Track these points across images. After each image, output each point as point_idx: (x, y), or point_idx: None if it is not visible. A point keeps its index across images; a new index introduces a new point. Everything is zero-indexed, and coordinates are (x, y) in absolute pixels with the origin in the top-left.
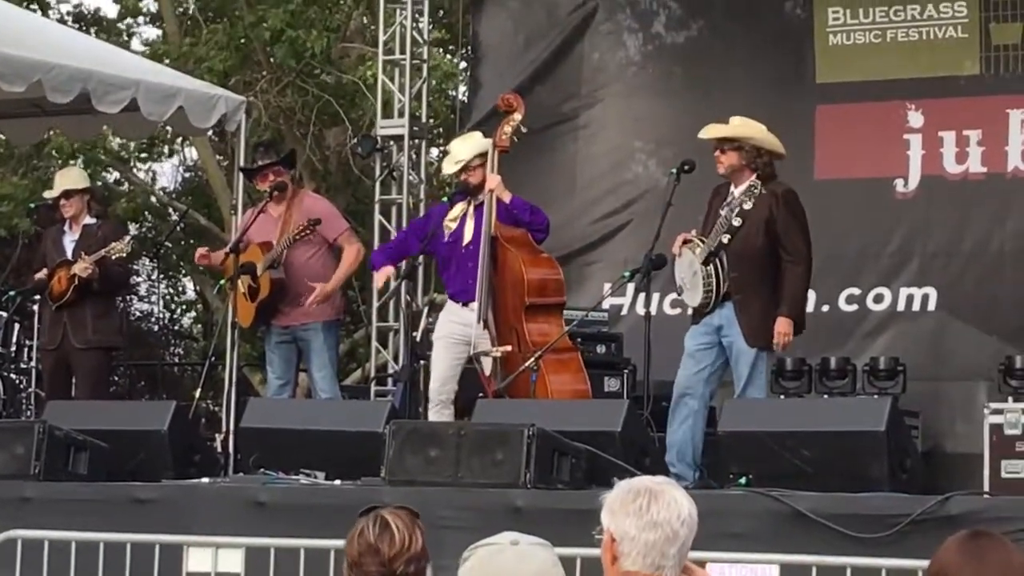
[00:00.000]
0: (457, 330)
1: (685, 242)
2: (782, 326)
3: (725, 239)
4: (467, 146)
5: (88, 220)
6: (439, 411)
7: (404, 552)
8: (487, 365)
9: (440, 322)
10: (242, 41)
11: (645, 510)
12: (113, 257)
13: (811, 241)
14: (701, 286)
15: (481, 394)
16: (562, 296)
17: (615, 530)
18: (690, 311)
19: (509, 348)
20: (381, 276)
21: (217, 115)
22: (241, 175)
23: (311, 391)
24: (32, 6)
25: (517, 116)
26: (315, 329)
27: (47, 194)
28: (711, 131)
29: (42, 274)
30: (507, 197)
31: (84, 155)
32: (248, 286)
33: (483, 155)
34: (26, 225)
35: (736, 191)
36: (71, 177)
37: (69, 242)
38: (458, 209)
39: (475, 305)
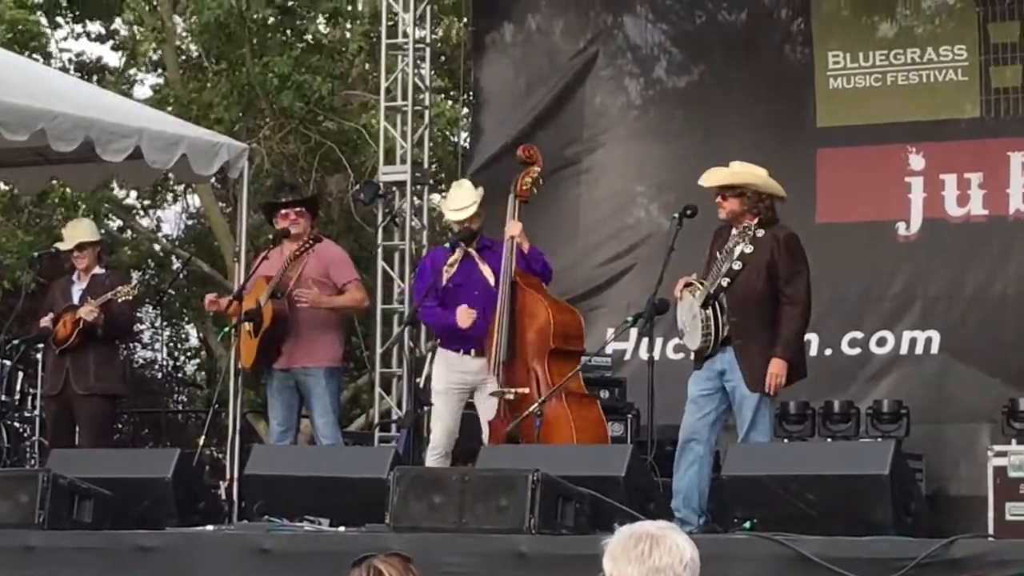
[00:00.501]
0: (458, 379)
1: (686, 285)
2: (775, 367)
3: (725, 282)
4: (468, 194)
5: (98, 270)
6: (439, 461)
7: None
8: (491, 407)
9: (437, 374)
10: (246, 88)
11: (647, 556)
12: (120, 300)
13: (811, 286)
14: (700, 330)
15: (490, 439)
16: (583, 345)
17: (624, 574)
18: (692, 355)
19: (527, 391)
20: (465, 317)
21: (219, 162)
22: (245, 222)
23: (313, 437)
24: (34, 55)
25: (537, 168)
26: (317, 375)
27: (61, 246)
28: (712, 178)
29: (47, 320)
30: (526, 245)
31: (87, 204)
32: (253, 324)
33: (483, 203)
34: (28, 278)
35: (735, 235)
36: (84, 230)
37: (77, 291)
38: (455, 255)
39: (476, 353)
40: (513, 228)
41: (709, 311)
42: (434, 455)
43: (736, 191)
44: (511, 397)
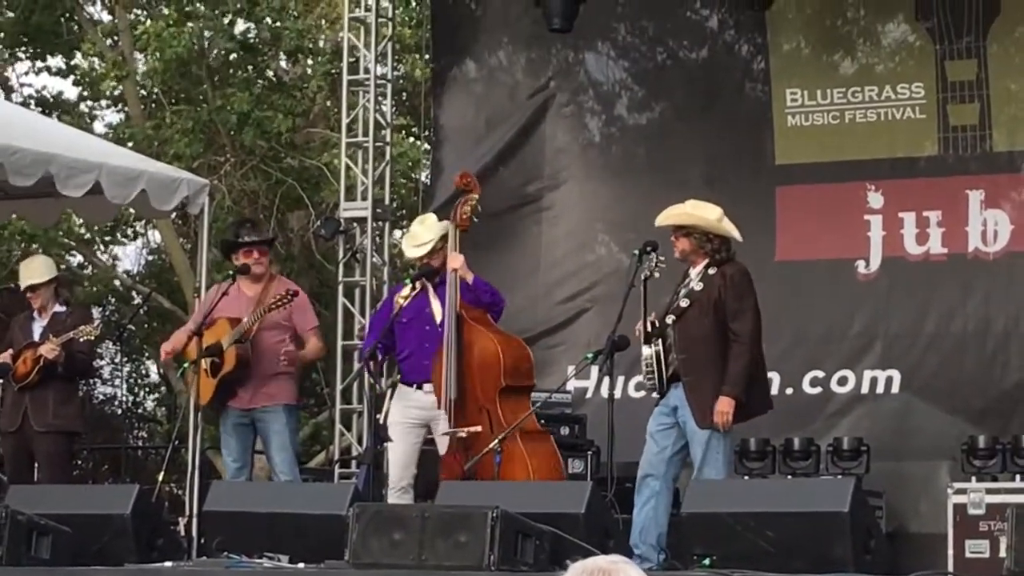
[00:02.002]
0: (412, 414)
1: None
2: (722, 405)
3: (670, 320)
4: (429, 230)
5: (57, 308)
6: (399, 496)
7: None
8: (443, 445)
9: (394, 408)
10: (206, 125)
11: None
12: (81, 339)
13: (760, 321)
14: (644, 368)
15: (443, 475)
16: (533, 380)
17: None
18: (655, 393)
19: (479, 429)
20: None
21: (179, 198)
22: (205, 258)
23: (271, 474)
24: None
25: (475, 195)
26: (275, 412)
27: (23, 283)
28: (662, 219)
29: (6, 356)
30: (470, 277)
31: (43, 239)
32: (211, 362)
33: (444, 237)
34: None
35: (693, 272)
36: (36, 270)
37: (38, 328)
38: (407, 289)
39: (429, 387)
40: (454, 261)
41: (652, 349)
42: (393, 492)
43: (684, 231)
44: (463, 435)
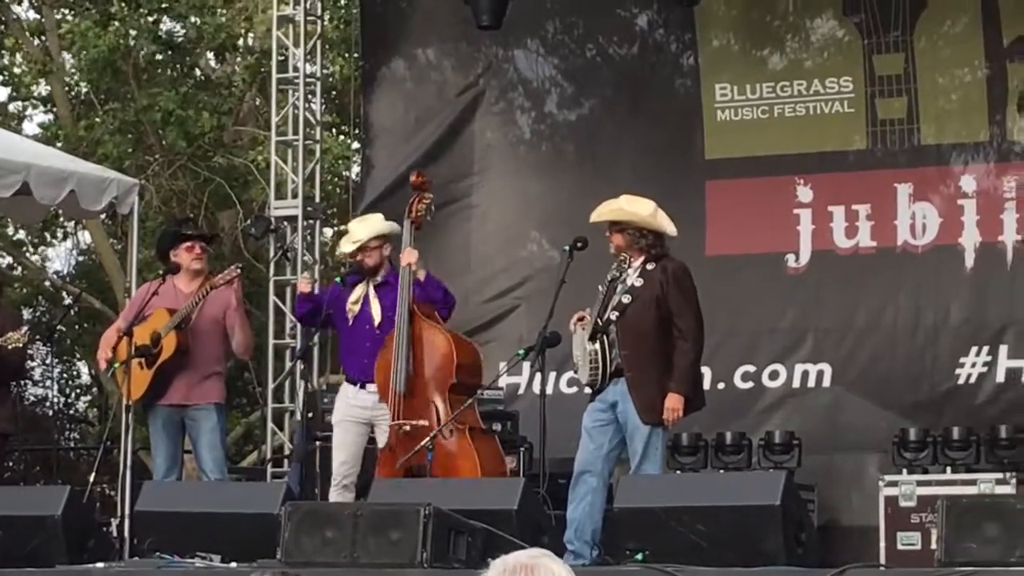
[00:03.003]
0: (355, 412)
1: (579, 319)
2: (672, 402)
3: (614, 316)
4: (365, 227)
5: (13, 346)
6: (341, 493)
7: None
8: (381, 438)
9: (337, 405)
10: (134, 124)
11: None
12: (9, 347)
13: (702, 317)
14: (588, 363)
15: (379, 471)
16: (481, 379)
17: None
18: (587, 389)
19: (425, 423)
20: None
21: (108, 198)
22: (136, 257)
23: (199, 474)
24: None
25: (429, 195)
26: (207, 411)
27: None
28: (596, 214)
29: None
30: (423, 274)
31: None
32: (147, 354)
33: (381, 237)
34: None
35: (631, 268)
36: None
37: None
38: (358, 291)
39: (372, 387)
40: (408, 256)
41: (596, 345)
42: (335, 489)
43: (618, 227)
44: (408, 429)
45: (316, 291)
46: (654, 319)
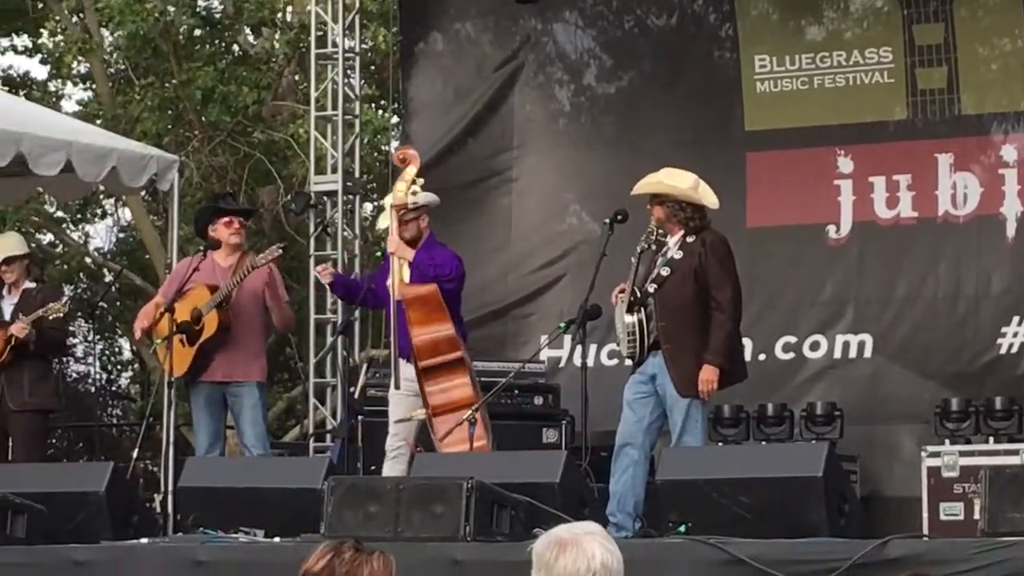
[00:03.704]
0: (405, 385)
1: (621, 292)
2: (706, 374)
3: (652, 288)
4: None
5: (28, 284)
6: (392, 465)
7: (307, 572)
8: (411, 429)
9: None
10: (173, 101)
11: (553, 562)
12: (50, 317)
13: (740, 289)
14: (626, 336)
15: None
16: (457, 351)
17: None
18: (628, 361)
19: (423, 414)
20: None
21: (149, 174)
22: (176, 234)
23: (241, 449)
24: None
25: (411, 170)
26: (249, 387)
27: None
28: (636, 188)
29: None
30: (409, 255)
31: (13, 218)
32: (188, 332)
33: (418, 208)
34: None
35: (671, 241)
36: (11, 244)
37: (8, 305)
38: (397, 266)
39: (409, 364)
40: (389, 244)
41: (634, 317)
42: (387, 460)
43: (659, 199)
44: (421, 417)
45: (337, 278)
46: (692, 291)
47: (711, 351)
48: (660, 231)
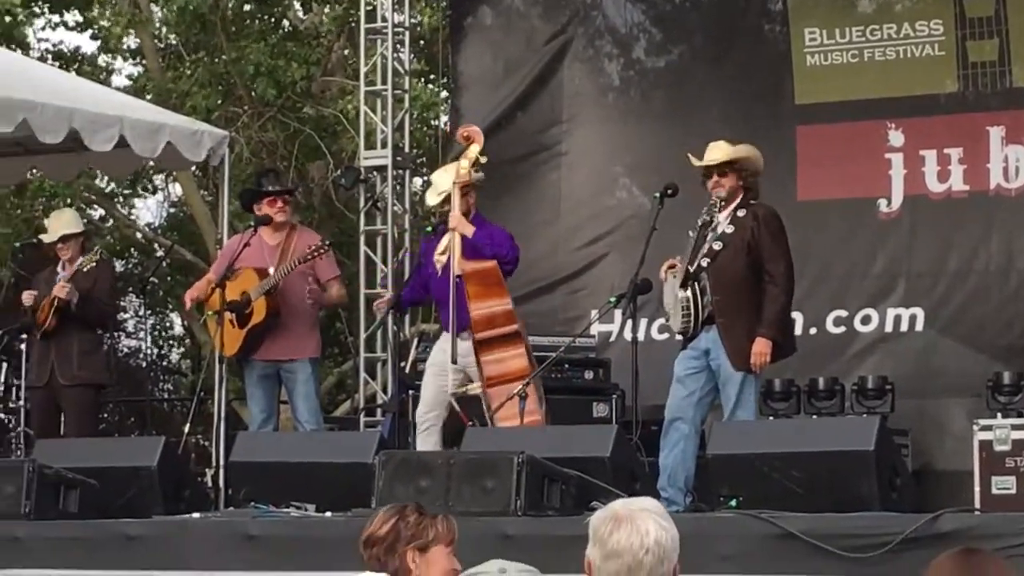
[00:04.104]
0: (445, 359)
1: (670, 267)
2: (760, 347)
3: (705, 263)
4: (449, 177)
5: (88, 267)
6: (425, 437)
7: (371, 535)
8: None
9: (434, 349)
10: (222, 76)
11: (607, 538)
12: (84, 269)
13: (792, 262)
14: (680, 311)
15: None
16: (513, 324)
17: (590, 558)
18: (678, 336)
19: (478, 386)
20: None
21: (205, 149)
22: (227, 209)
23: (295, 425)
24: (11, 45)
25: (475, 148)
26: (301, 364)
27: (44, 238)
28: (715, 154)
29: (29, 296)
30: (469, 232)
31: (67, 193)
32: (238, 313)
33: (466, 185)
34: (8, 271)
35: (721, 215)
36: (67, 221)
37: (62, 279)
38: (445, 241)
39: (466, 334)
40: (451, 220)
41: (688, 292)
42: (420, 435)
43: (735, 167)
44: (477, 391)
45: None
46: (745, 265)
47: (765, 324)
48: (723, 202)
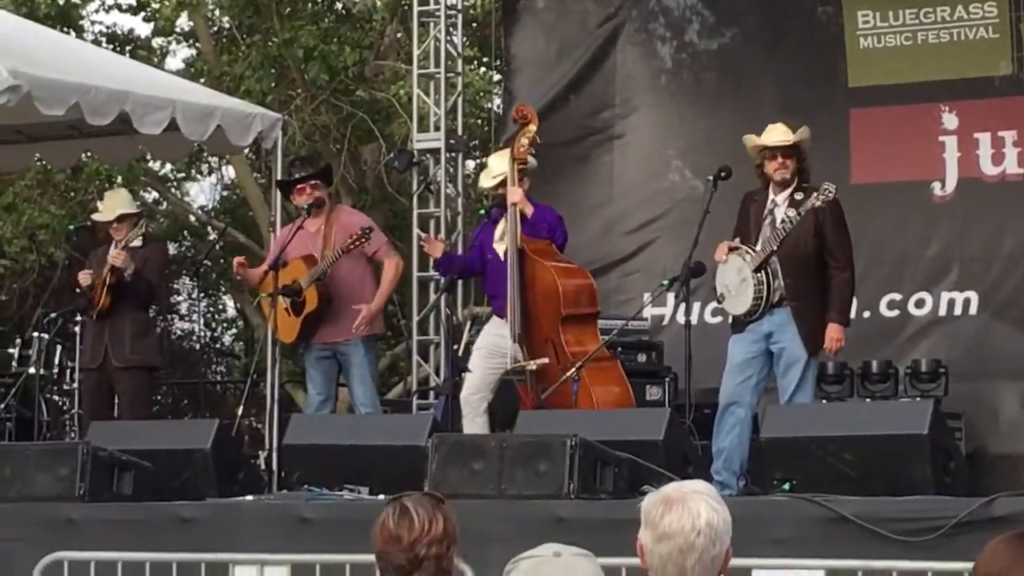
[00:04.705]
0: (495, 342)
1: (732, 249)
2: (835, 332)
3: (776, 246)
4: (503, 161)
5: (136, 242)
6: (472, 419)
7: (424, 535)
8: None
9: (482, 333)
10: (276, 59)
11: (659, 519)
12: (132, 244)
13: (852, 246)
14: (751, 293)
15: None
16: (596, 306)
17: (642, 541)
18: (731, 319)
19: (547, 361)
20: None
21: (254, 133)
22: (279, 192)
23: (351, 406)
24: (65, 28)
25: (532, 127)
26: (356, 344)
27: (98, 217)
28: (774, 136)
29: (86, 276)
30: (529, 210)
31: (122, 176)
32: (292, 301)
33: (523, 164)
34: (63, 252)
35: (779, 197)
36: (122, 201)
37: None
38: (502, 227)
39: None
40: (513, 195)
41: (761, 275)
42: (466, 417)
43: (797, 150)
44: (533, 368)
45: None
46: (813, 248)
47: (837, 310)
48: (781, 186)
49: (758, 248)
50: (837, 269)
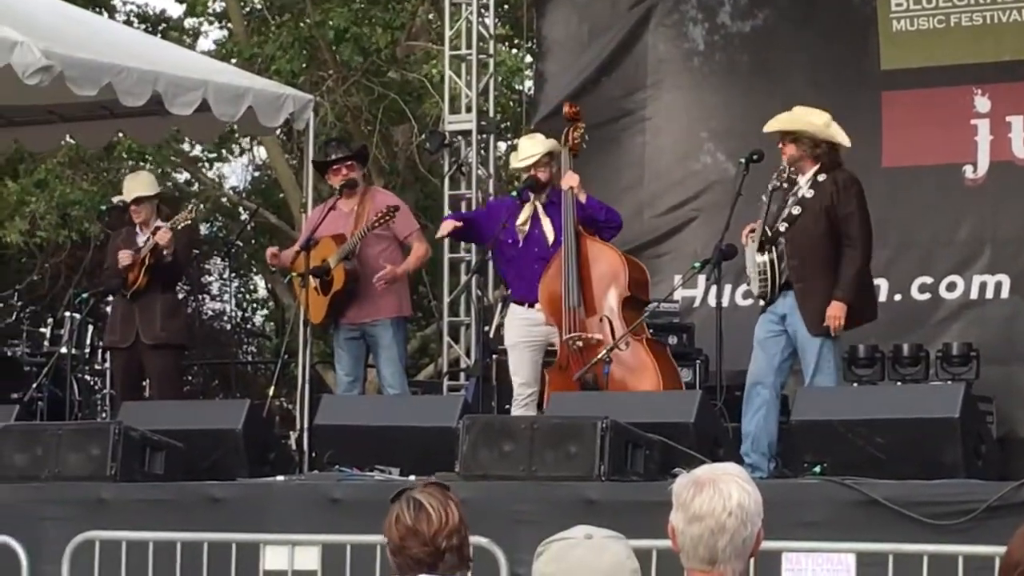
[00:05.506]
0: (531, 333)
1: (751, 232)
2: (833, 309)
3: (783, 227)
4: (536, 143)
5: (159, 224)
6: (525, 411)
7: (444, 527)
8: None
9: (509, 328)
10: (307, 40)
11: (690, 501)
12: (179, 227)
13: (871, 228)
14: (758, 275)
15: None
16: (649, 295)
17: (673, 523)
18: (761, 300)
19: (600, 337)
20: (445, 227)
21: (285, 114)
22: (311, 173)
23: (380, 387)
24: (97, 8)
25: (582, 124)
26: (384, 325)
27: (117, 198)
28: (770, 125)
29: (127, 256)
30: (583, 196)
31: (154, 157)
32: (321, 281)
33: (551, 153)
34: (96, 230)
35: (801, 179)
36: (142, 183)
37: (141, 242)
38: (526, 212)
39: (539, 305)
40: (570, 179)
41: (766, 256)
42: (517, 407)
43: (792, 137)
44: (581, 344)
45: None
46: (824, 230)
47: (839, 287)
48: (792, 169)
49: (764, 228)
50: (847, 247)
